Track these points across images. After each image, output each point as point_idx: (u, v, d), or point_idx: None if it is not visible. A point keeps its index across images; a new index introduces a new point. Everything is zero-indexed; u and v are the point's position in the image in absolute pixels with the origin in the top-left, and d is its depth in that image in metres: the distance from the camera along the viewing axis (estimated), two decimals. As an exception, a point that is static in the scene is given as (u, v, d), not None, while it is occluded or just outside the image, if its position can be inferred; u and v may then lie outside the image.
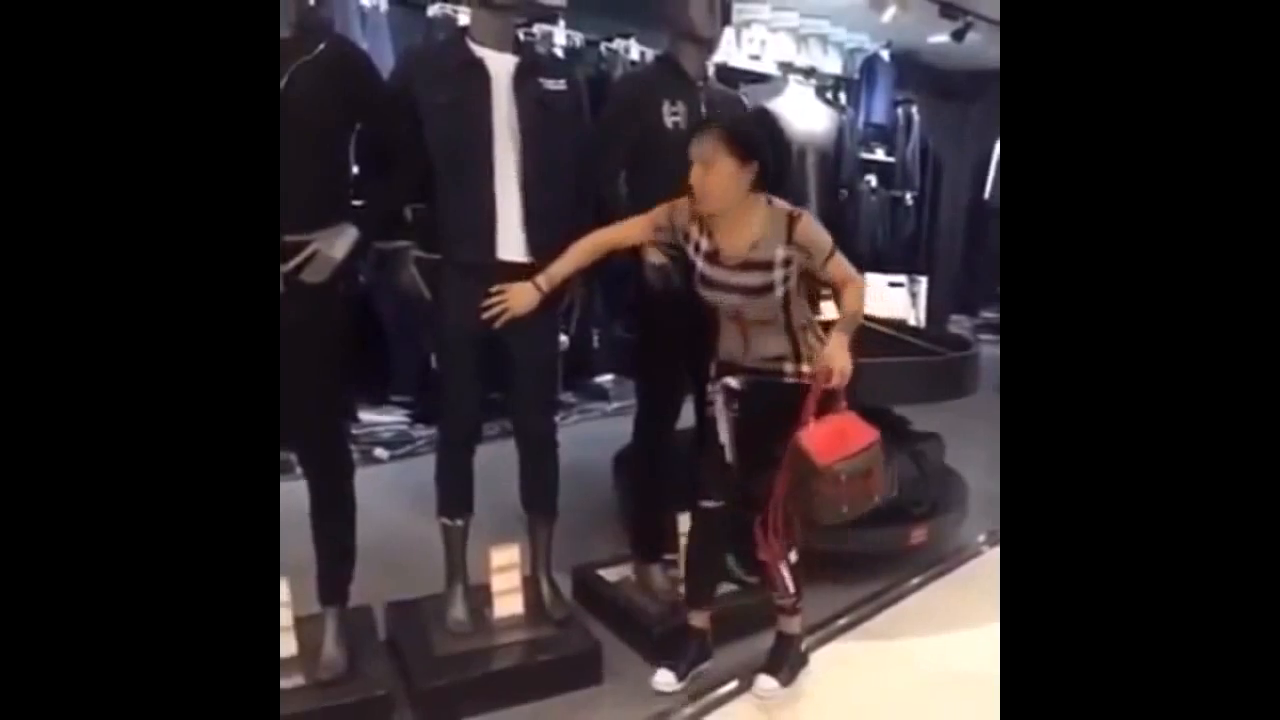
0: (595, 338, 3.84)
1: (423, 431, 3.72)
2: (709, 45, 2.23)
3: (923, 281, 3.02)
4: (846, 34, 6.02)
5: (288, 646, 1.87)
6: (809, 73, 3.31)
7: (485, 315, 1.88)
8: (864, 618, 2.48)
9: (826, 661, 2.22)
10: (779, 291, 1.81)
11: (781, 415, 1.84)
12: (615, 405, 4.16)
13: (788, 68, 5.20)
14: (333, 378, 1.84)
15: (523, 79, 1.94)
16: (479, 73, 1.91)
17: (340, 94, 1.74)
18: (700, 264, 1.84)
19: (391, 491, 3.15)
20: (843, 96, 5.71)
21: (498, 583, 2.11)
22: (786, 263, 1.79)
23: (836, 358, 1.80)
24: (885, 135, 6.17)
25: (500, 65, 1.93)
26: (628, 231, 1.93)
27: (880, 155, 6.22)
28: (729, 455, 1.91)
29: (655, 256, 2.10)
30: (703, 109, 2.19)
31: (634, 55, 4.38)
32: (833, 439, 1.81)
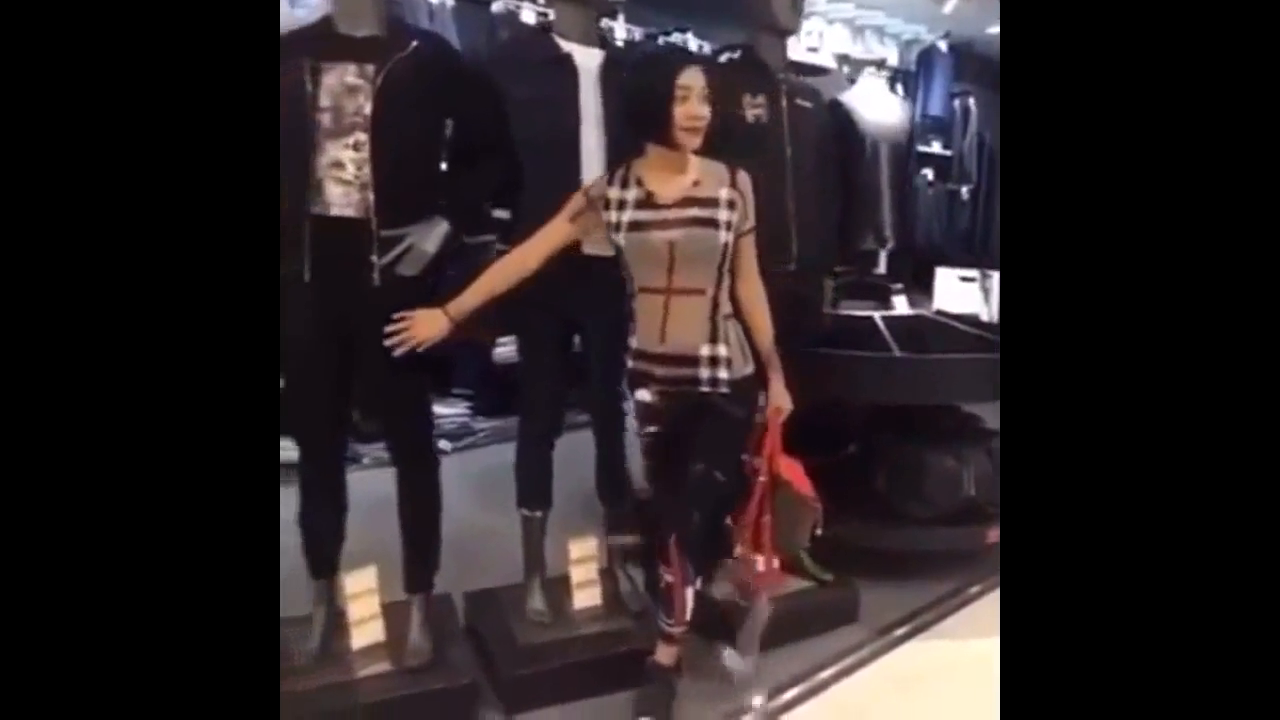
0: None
1: (484, 424, 3.77)
2: (789, 37, 2.22)
3: (995, 276, 2.97)
4: (903, 25, 5.94)
5: (375, 633, 1.91)
6: (880, 64, 3.27)
7: (387, 343, 1.70)
8: (939, 618, 2.45)
9: (900, 665, 2.20)
10: (721, 235, 1.67)
11: (698, 431, 1.73)
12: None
13: (844, 59, 5.16)
14: (424, 369, 1.86)
15: (609, 73, 1.95)
16: (567, 67, 1.92)
17: (433, 90, 1.76)
18: (630, 214, 1.68)
19: (455, 483, 3.18)
20: (899, 89, 5.64)
21: (576, 574, 2.12)
22: (730, 205, 1.69)
23: (784, 401, 1.82)
24: (942, 128, 6.07)
25: (587, 59, 1.94)
26: (544, 242, 1.76)
27: (937, 148, 6.12)
28: (643, 481, 1.81)
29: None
30: (783, 101, 2.18)
31: (691, 49, 4.38)
32: (797, 469, 1.90)
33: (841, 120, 2.64)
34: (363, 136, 1.69)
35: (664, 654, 1.87)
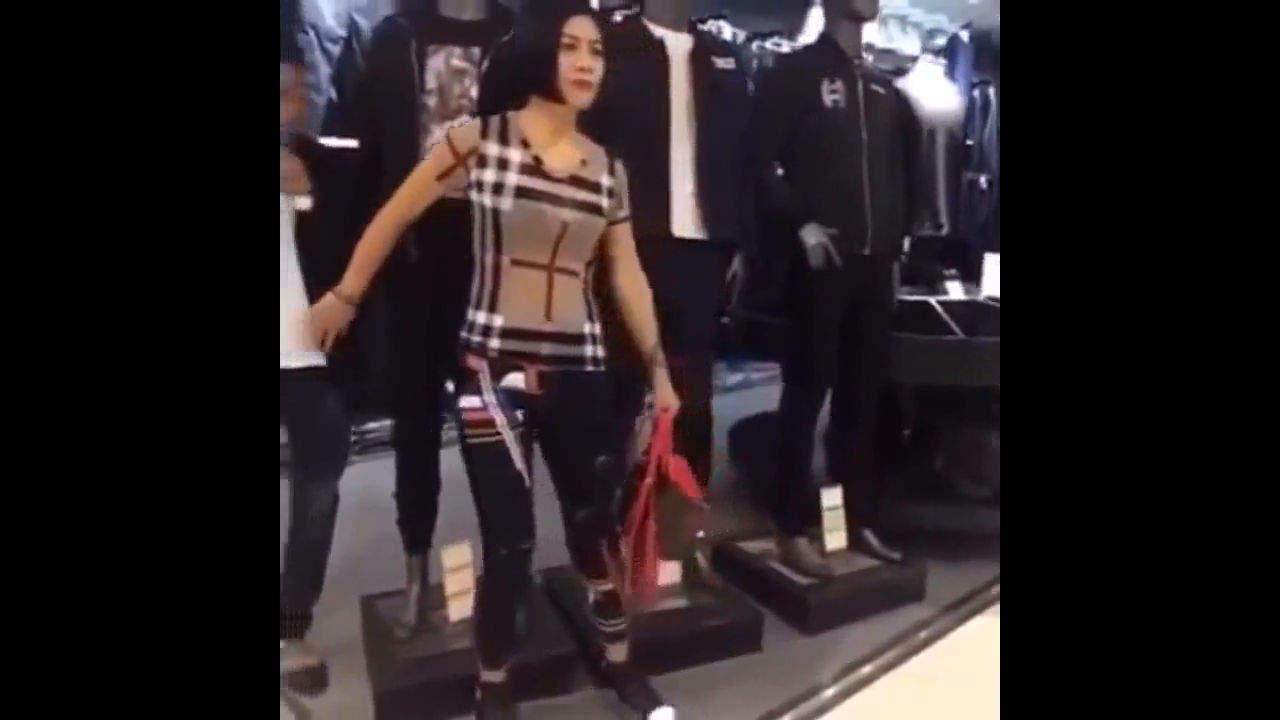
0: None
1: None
2: (866, 23, 2.25)
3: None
4: (925, 14, 5.98)
5: (470, 607, 1.94)
6: (939, 52, 3.30)
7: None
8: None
9: (963, 640, 2.24)
10: (602, 222, 1.59)
11: (589, 416, 1.63)
12: (731, 381, 4.18)
13: (868, 48, 5.19)
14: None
15: (698, 58, 1.98)
16: (659, 52, 1.95)
17: None
18: (515, 178, 1.50)
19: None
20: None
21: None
22: (611, 193, 1.60)
23: (669, 399, 1.72)
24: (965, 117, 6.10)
25: (678, 44, 1.97)
26: (408, 202, 1.58)
27: (957, 138, 6.17)
28: (528, 480, 1.56)
29: (814, 235, 2.13)
30: (859, 87, 2.21)
31: (726, 36, 4.39)
32: (684, 470, 1.80)
33: (902, 105, 2.68)
34: (468, 119, 1.71)
35: (617, 653, 1.82)
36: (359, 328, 1.81)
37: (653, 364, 1.71)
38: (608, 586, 1.73)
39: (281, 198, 1.64)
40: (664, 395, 1.71)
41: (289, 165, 1.62)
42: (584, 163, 1.57)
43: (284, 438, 1.91)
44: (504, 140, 1.52)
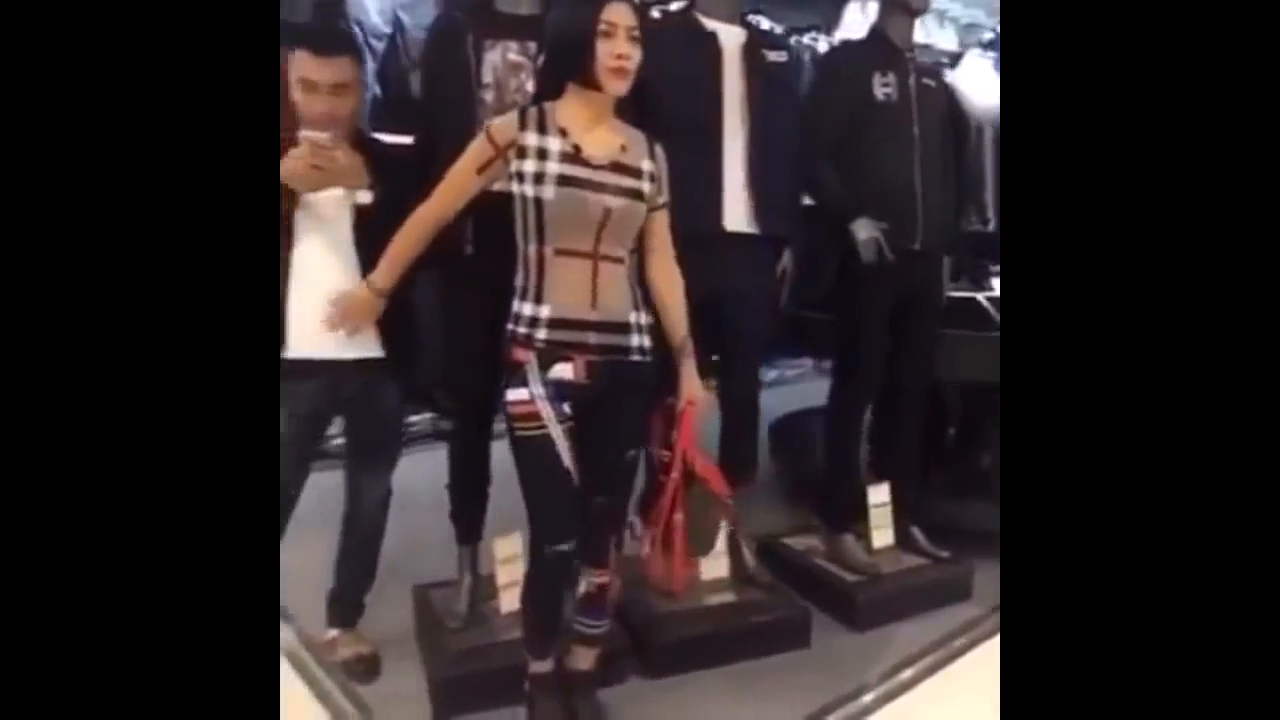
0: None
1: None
2: (918, 16, 2.23)
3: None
4: (962, 9, 5.91)
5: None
6: (988, 45, 3.26)
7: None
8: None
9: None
10: (644, 208, 1.56)
11: (631, 407, 1.59)
12: (767, 378, 4.15)
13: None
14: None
15: (751, 51, 1.97)
16: (712, 45, 1.94)
17: None
18: (556, 166, 1.48)
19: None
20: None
21: (706, 545, 2.16)
22: (652, 178, 1.57)
23: (697, 391, 1.68)
24: (1001, 113, 6.04)
25: (731, 37, 1.97)
26: (449, 197, 1.57)
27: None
28: (575, 478, 1.52)
29: (866, 230, 2.12)
30: (911, 80, 2.20)
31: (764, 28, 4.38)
32: (712, 465, 1.78)
33: (951, 100, 2.65)
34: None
35: (585, 658, 1.75)
36: (415, 320, 1.84)
37: (681, 355, 1.67)
38: (604, 579, 1.68)
39: (343, 192, 1.66)
40: (690, 388, 1.68)
41: (351, 160, 1.64)
42: (624, 148, 1.54)
43: (339, 429, 1.94)
44: (542, 130, 1.50)
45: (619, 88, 1.49)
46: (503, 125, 1.52)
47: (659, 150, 1.60)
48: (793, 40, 4.49)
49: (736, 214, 1.99)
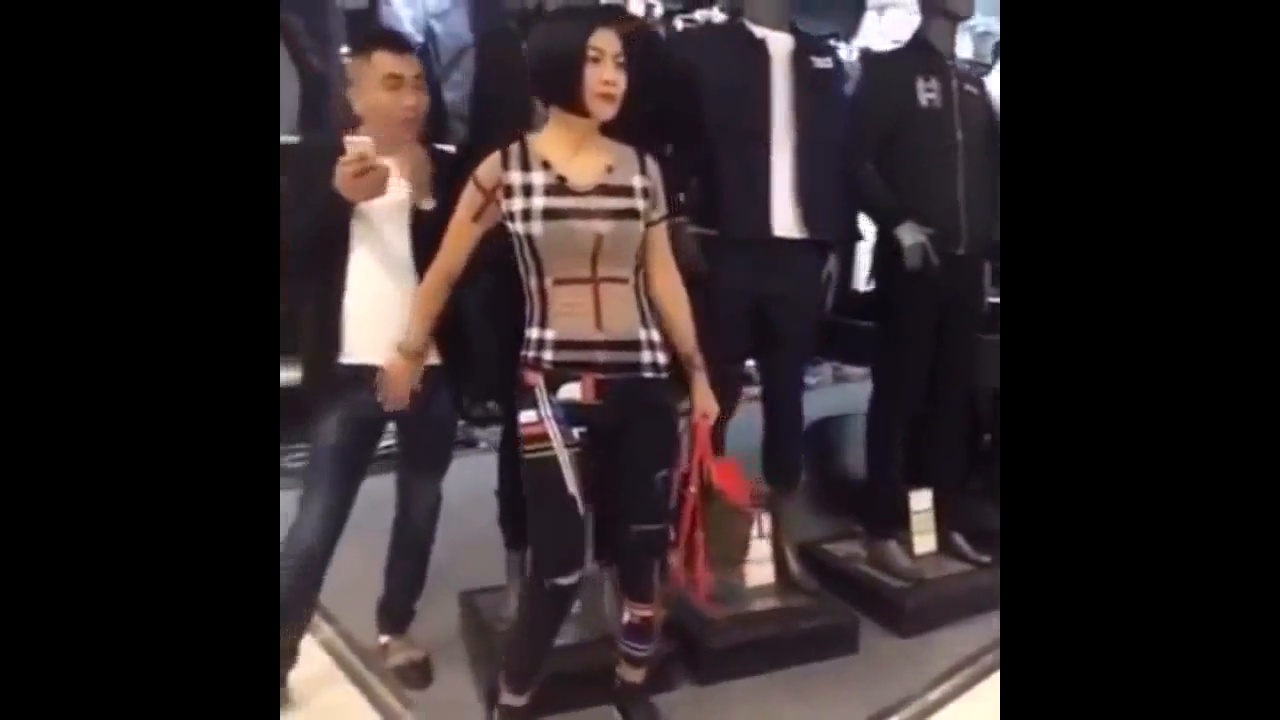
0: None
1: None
2: (960, 22, 2.25)
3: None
4: (979, 16, 5.92)
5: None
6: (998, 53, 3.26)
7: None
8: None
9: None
10: (640, 225, 1.53)
11: (650, 426, 1.56)
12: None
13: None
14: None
15: (799, 58, 1.98)
16: (761, 52, 1.95)
17: (638, 72, 1.80)
18: (542, 200, 1.47)
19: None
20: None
21: (751, 552, 2.15)
22: (645, 193, 1.53)
23: (709, 404, 1.65)
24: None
25: (779, 45, 1.98)
26: (456, 250, 1.56)
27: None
28: (581, 507, 1.50)
29: (911, 235, 2.12)
30: (954, 86, 2.21)
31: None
32: (733, 476, 1.74)
33: (991, 106, 2.66)
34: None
35: (634, 674, 1.74)
36: (469, 328, 1.84)
37: (690, 368, 1.64)
38: (648, 613, 1.62)
39: (403, 198, 1.67)
40: (702, 401, 1.65)
41: (419, 161, 1.67)
42: (610, 169, 1.52)
43: (391, 435, 1.94)
44: (525, 166, 1.49)
45: (607, 113, 1.47)
46: (487, 169, 1.51)
47: (651, 163, 1.57)
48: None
49: (785, 220, 1.99)
